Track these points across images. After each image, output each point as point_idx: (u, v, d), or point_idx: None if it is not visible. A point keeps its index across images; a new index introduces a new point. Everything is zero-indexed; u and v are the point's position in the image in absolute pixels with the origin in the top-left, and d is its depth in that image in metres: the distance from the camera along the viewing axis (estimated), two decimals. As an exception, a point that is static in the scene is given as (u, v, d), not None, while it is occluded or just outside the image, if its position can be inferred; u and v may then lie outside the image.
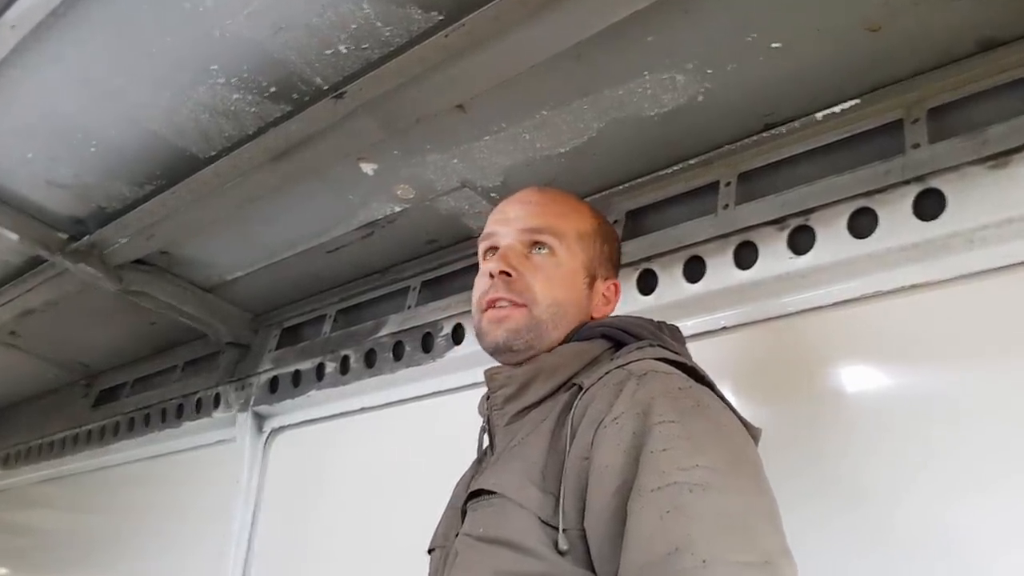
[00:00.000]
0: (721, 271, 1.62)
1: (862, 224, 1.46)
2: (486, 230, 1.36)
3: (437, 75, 1.58)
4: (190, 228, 2.24)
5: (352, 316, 2.51)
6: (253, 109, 1.79)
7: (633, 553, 0.96)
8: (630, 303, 1.77)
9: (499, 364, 1.30)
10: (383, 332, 2.29)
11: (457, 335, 2.11)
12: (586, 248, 1.33)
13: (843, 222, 1.48)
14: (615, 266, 1.40)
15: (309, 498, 2.49)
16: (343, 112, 1.72)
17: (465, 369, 2.08)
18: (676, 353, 1.22)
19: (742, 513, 0.98)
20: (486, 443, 1.32)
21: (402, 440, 2.27)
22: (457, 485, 1.36)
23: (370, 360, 2.29)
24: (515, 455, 1.17)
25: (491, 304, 1.27)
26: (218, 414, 2.73)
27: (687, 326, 1.68)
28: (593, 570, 1.04)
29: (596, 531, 1.03)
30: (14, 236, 2.28)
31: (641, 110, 1.66)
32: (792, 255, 1.52)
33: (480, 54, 1.51)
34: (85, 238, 2.30)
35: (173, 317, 2.68)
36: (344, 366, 2.36)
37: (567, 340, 1.28)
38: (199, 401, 2.82)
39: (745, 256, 1.60)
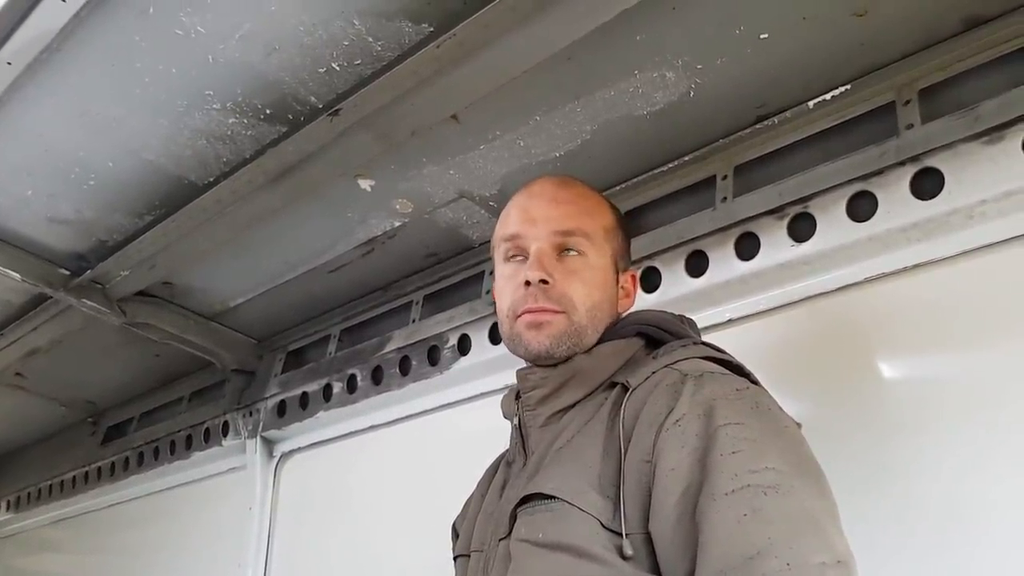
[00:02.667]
0: (723, 264, 1.63)
1: (861, 207, 1.48)
2: (510, 230, 1.31)
3: (430, 87, 1.59)
4: (191, 256, 2.24)
5: (356, 335, 2.51)
6: (249, 132, 1.80)
7: (713, 557, 0.96)
8: (636, 301, 1.78)
9: (530, 365, 1.27)
10: (388, 348, 2.29)
11: (463, 346, 2.11)
12: (611, 243, 1.32)
13: (842, 207, 1.49)
14: (629, 256, 1.38)
15: (323, 520, 2.49)
16: (339, 129, 1.73)
17: (473, 380, 2.09)
18: (719, 351, 1.20)
19: (815, 515, 0.97)
20: (513, 450, 1.30)
21: (413, 455, 2.27)
22: (481, 486, 1.35)
23: (377, 377, 2.29)
24: (567, 457, 1.15)
25: (529, 310, 1.23)
26: (227, 442, 2.73)
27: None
28: (657, 573, 1.03)
29: (663, 535, 1.02)
30: (16, 275, 2.29)
31: (633, 109, 1.68)
32: (793, 243, 1.53)
33: (472, 63, 1.53)
34: (87, 273, 2.31)
35: (177, 348, 2.68)
36: (351, 385, 2.36)
37: (602, 339, 1.26)
38: (207, 431, 2.82)
39: (746, 247, 1.61)
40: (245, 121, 1.76)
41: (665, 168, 1.80)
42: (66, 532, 3.68)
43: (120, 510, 3.34)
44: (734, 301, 1.64)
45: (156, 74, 1.64)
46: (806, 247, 1.52)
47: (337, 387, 2.40)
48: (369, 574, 2.27)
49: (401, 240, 2.18)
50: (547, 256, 1.26)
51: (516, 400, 1.28)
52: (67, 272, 2.35)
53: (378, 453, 2.37)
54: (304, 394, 2.52)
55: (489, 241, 2.09)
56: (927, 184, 1.41)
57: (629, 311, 1.34)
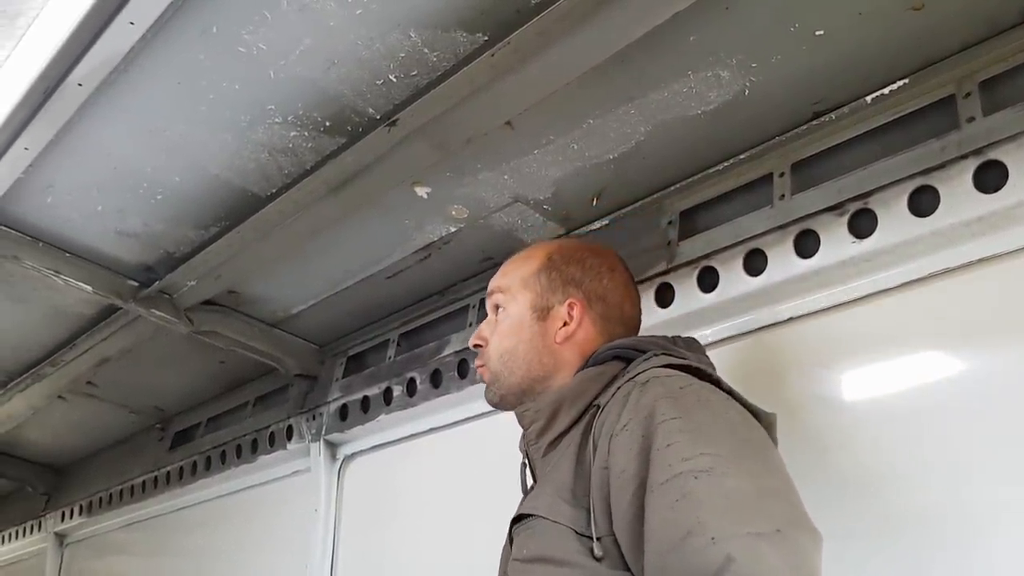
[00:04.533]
0: (783, 261, 1.63)
1: (923, 202, 1.46)
2: None
3: (485, 95, 1.61)
4: (254, 266, 2.30)
5: (414, 339, 2.55)
6: (310, 144, 1.84)
7: (652, 544, 1.04)
8: (692, 302, 1.78)
9: (523, 406, 1.40)
10: (447, 352, 2.32)
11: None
12: (531, 288, 1.46)
13: (903, 202, 1.47)
14: (573, 284, 1.45)
15: (386, 521, 2.53)
16: (396, 139, 1.76)
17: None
18: (682, 358, 1.29)
19: (749, 491, 1.03)
20: (529, 478, 1.42)
21: (472, 457, 2.30)
22: None
23: (436, 380, 2.33)
24: (549, 479, 1.27)
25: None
26: (292, 445, 2.79)
27: (751, 320, 1.70)
28: (629, 570, 1.10)
29: (624, 533, 1.10)
30: (88, 288, 2.37)
31: (688, 109, 1.68)
32: (854, 239, 1.52)
33: (526, 70, 1.55)
34: (155, 284, 2.38)
35: (242, 354, 2.75)
36: (411, 389, 2.40)
37: (584, 367, 1.38)
38: (272, 435, 2.88)
39: (806, 245, 1.60)
40: (306, 134, 1.81)
41: (720, 167, 1.80)
42: (136, 535, 3.80)
43: (188, 513, 3.43)
44: (794, 299, 1.63)
45: (220, 91, 1.69)
46: (867, 243, 1.51)
47: (397, 390, 2.44)
48: (431, 574, 2.30)
49: (457, 245, 2.21)
50: (487, 323, 1.50)
51: (524, 437, 1.40)
52: (136, 284, 2.43)
53: (438, 455, 2.41)
54: (365, 398, 2.56)
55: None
56: (990, 177, 1.39)
57: (623, 337, 1.43)
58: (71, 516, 4.04)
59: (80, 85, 1.64)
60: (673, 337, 1.40)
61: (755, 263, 1.68)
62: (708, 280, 1.77)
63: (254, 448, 2.96)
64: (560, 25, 1.45)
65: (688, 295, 1.80)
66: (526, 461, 1.42)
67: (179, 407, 3.45)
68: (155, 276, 2.40)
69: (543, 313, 1.44)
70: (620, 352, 1.36)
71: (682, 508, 1.02)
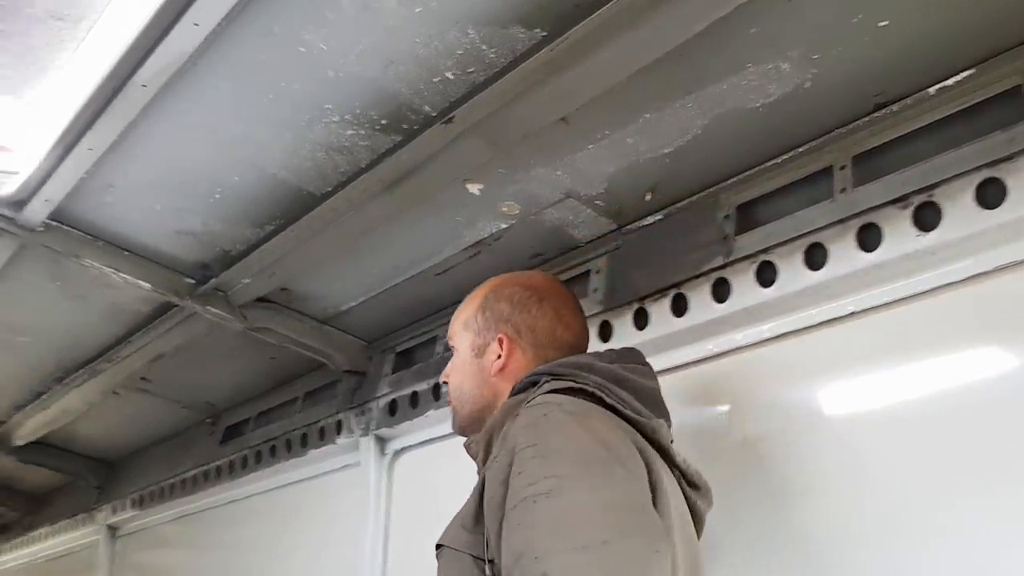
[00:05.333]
0: (844, 256, 1.61)
1: (990, 194, 1.44)
2: None
3: (542, 91, 1.62)
4: (307, 263, 2.33)
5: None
6: (365, 143, 1.86)
7: (501, 566, 1.15)
8: (750, 297, 1.77)
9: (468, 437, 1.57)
10: (498, 348, 2.33)
11: (573, 344, 2.13)
12: (470, 330, 1.63)
13: (970, 194, 1.45)
14: (502, 320, 1.60)
15: (436, 515, 2.53)
16: (451, 136, 1.77)
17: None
18: (573, 380, 1.38)
19: (584, 507, 1.13)
20: None
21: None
22: None
23: (488, 375, 2.33)
24: (462, 508, 1.36)
25: None
26: (341, 440, 2.82)
27: (812, 315, 1.68)
28: None
29: (496, 556, 1.20)
30: (147, 285, 2.42)
31: (746, 102, 1.67)
32: (919, 232, 1.50)
33: (584, 65, 1.55)
34: (211, 281, 2.42)
35: (292, 350, 2.78)
36: (463, 383, 2.40)
37: (510, 395, 1.49)
38: (322, 429, 2.92)
39: (868, 238, 1.58)
40: (362, 132, 1.82)
41: (779, 160, 1.78)
42: (187, 528, 3.86)
43: (238, 507, 3.48)
44: (856, 294, 1.61)
45: (280, 91, 1.72)
46: (932, 236, 1.49)
47: (446, 387, 2.44)
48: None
49: (507, 241, 2.21)
50: (450, 361, 1.68)
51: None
52: (192, 281, 2.47)
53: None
54: (414, 393, 2.58)
55: (595, 240, 2.14)
56: (1061, 168, 1.37)
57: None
58: (123, 509, 4.11)
59: (144, 86, 1.67)
60: (602, 352, 1.51)
61: (815, 257, 1.67)
62: (766, 275, 1.76)
63: (303, 443, 2.99)
64: (619, 20, 1.45)
65: (745, 290, 1.79)
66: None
67: (230, 402, 3.50)
68: (211, 274, 2.44)
69: (480, 351, 1.60)
70: (535, 378, 1.45)
71: (519, 531, 1.14)
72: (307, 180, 2.01)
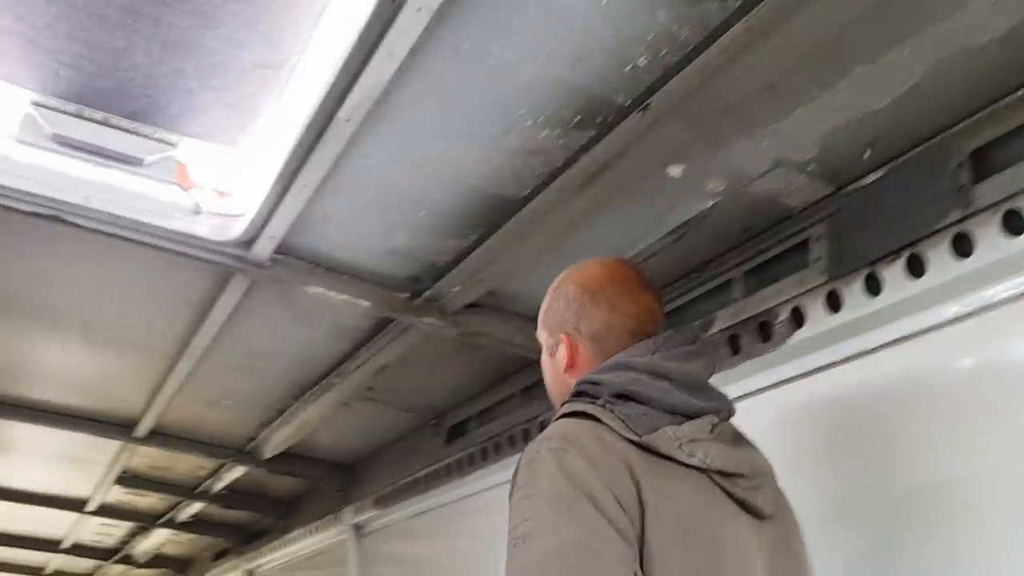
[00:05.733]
0: (1113, 194, 1.42)
1: None
2: None
3: (742, 62, 1.54)
4: (513, 266, 2.35)
5: (675, 319, 2.50)
6: (560, 142, 1.84)
7: None
8: (996, 250, 1.61)
9: None
10: (714, 329, 2.26)
11: (797, 318, 2.02)
12: (544, 328, 1.72)
13: None
14: (560, 321, 1.67)
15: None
16: (648, 123, 1.72)
17: (812, 352, 2.01)
18: (581, 402, 1.45)
19: (544, 552, 1.22)
20: None
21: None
22: None
23: (707, 359, 2.26)
24: None
25: None
26: (563, 433, 2.83)
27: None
28: None
29: None
30: (366, 303, 2.54)
31: (970, 40, 1.50)
32: None
33: (785, 28, 1.46)
34: (424, 294, 2.51)
35: (505, 350, 2.83)
36: (681, 369, 2.35)
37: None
38: (542, 423, 2.95)
39: None
40: (556, 132, 1.81)
41: (1017, 96, 1.60)
42: (424, 523, 4.04)
43: (470, 501, 3.60)
44: None
45: (473, 105, 1.74)
46: None
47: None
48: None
49: (714, 220, 2.13)
50: None
51: None
52: (406, 295, 2.57)
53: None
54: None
55: (811, 207, 2.02)
56: None
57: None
58: (365, 509, 4.37)
59: (347, 120, 1.74)
60: (647, 342, 1.54)
61: (1075, 199, 1.48)
62: (1014, 224, 1.59)
63: (525, 437, 3.04)
64: (823, -26, 1.35)
65: (991, 243, 1.62)
66: None
67: (451, 403, 3.62)
68: (423, 286, 2.52)
69: (552, 350, 1.69)
70: (577, 390, 1.53)
71: (507, 570, 1.25)
72: (505, 186, 2.02)
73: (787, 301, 2.05)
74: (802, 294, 2.01)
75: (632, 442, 1.37)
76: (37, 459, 4.90)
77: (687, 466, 1.39)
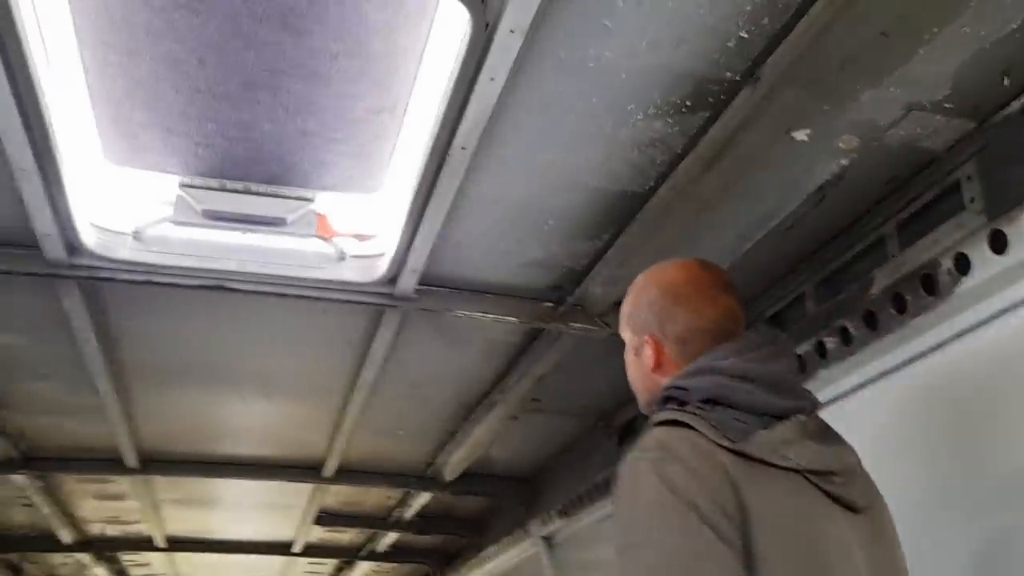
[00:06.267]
0: None
1: None
2: None
3: (851, 13, 1.47)
4: (650, 258, 2.30)
5: (832, 285, 2.39)
6: (676, 128, 1.82)
7: None
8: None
9: None
10: (874, 289, 2.15)
11: (961, 266, 1.90)
12: (628, 329, 1.77)
13: None
14: (644, 325, 1.72)
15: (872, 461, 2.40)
16: (761, 93, 1.68)
17: (984, 300, 1.87)
18: (700, 406, 1.47)
19: (650, 562, 1.31)
20: None
21: (928, 403, 2.10)
22: None
23: (871, 323, 2.16)
24: None
25: None
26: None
27: None
28: None
29: None
30: (514, 319, 2.59)
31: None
32: None
33: (889, -31, 1.38)
34: (568, 300, 2.53)
35: (660, 342, 2.80)
36: (845, 338, 2.25)
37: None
38: (710, 412, 2.89)
39: None
40: (669, 120, 1.79)
41: None
42: (606, 528, 4.04)
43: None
44: None
45: (580, 109, 1.75)
46: None
47: (830, 343, 2.30)
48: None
49: (853, 176, 2.03)
50: None
51: None
52: (551, 304, 2.60)
53: (888, 404, 2.23)
54: (798, 357, 2.46)
55: (955, 146, 1.90)
56: None
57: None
58: (551, 520, 4.41)
59: (464, 148, 1.79)
60: (731, 344, 1.58)
61: None
62: None
63: (696, 428, 2.98)
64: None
65: None
66: None
67: (616, 403, 3.61)
68: (565, 293, 2.54)
69: (638, 350, 1.74)
70: (667, 394, 1.58)
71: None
72: (627, 182, 2.02)
73: (948, 249, 1.93)
74: (963, 239, 1.89)
75: (727, 448, 1.39)
76: (242, 510, 5.26)
77: (783, 468, 1.41)
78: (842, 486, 1.46)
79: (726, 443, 1.40)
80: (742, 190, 2.06)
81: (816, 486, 1.43)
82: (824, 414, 2.47)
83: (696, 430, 1.42)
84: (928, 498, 2.12)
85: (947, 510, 2.06)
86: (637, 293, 1.80)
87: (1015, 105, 1.75)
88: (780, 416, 1.47)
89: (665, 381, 1.65)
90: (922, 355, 2.09)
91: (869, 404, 2.31)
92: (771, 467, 1.41)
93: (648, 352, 1.70)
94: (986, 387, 1.96)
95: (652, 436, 1.44)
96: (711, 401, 1.49)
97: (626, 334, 1.79)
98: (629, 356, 1.78)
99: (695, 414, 1.45)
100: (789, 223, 2.24)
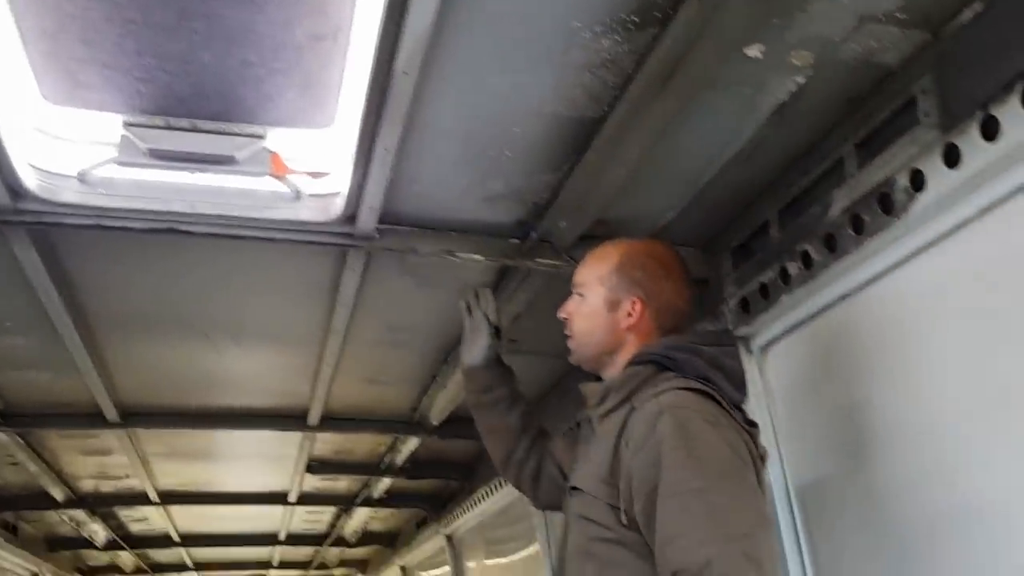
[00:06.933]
0: None
1: None
2: None
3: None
4: (612, 189, 2.29)
5: (795, 210, 2.37)
6: (626, 47, 1.78)
7: (659, 536, 1.58)
8: None
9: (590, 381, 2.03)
10: (833, 212, 2.13)
11: (916, 182, 1.87)
12: (604, 286, 1.96)
13: None
14: (637, 285, 1.95)
15: (815, 403, 2.41)
16: (710, 5, 1.63)
17: (941, 213, 1.85)
18: (701, 381, 1.76)
19: (727, 505, 1.57)
20: (587, 429, 2.03)
21: (892, 315, 2.08)
22: (578, 431, 2.15)
23: (831, 245, 2.14)
24: (593, 460, 1.81)
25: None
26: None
27: None
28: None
29: (639, 517, 1.65)
30: (480, 257, 2.56)
31: None
32: None
33: None
34: (532, 235, 2.50)
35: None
36: (807, 262, 2.23)
37: (631, 361, 1.89)
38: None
39: None
40: (618, 38, 1.75)
41: None
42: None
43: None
44: None
45: (525, 29, 1.71)
46: None
47: (793, 268, 2.29)
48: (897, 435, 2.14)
49: (811, 96, 1.99)
50: (570, 300, 2.07)
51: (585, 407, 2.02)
52: (517, 240, 2.57)
53: (855, 323, 2.22)
54: (762, 285, 2.44)
55: (910, 58, 1.86)
56: None
57: (664, 339, 1.93)
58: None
59: (406, 73, 1.74)
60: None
61: None
62: None
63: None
64: None
65: None
66: (588, 420, 2.01)
67: (592, 343, 3.60)
68: (530, 228, 2.52)
69: (613, 306, 1.94)
70: (655, 359, 1.83)
71: (682, 516, 1.56)
72: (583, 107, 1.98)
73: (903, 166, 1.90)
74: (918, 155, 1.86)
75: (742, 424, 1.74)
76: (233, 461, 5.30)
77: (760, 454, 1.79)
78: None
79: (745, 423, 1.76)
80: (699, 113, 2.02)
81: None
82: (787, 340, 2.50)
83: (716, 400, 1.72)
84: (888, 416, 2.13)
85: (908, 426, 2.07)
86: (627, 255, 1.98)
87: (967, 14, 1.71)
88: (738, 407, 1.81)
89: (633, 342, 1.93)
90: (880, 276, 2.07)
91: (830, 328, 2.31)
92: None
93: (632, 310, 1.92)
94: (943, 306, 1.95)
95: (685, 396, 1.70)
96: (703, 379, 1.76)
97: (595, 288, 1.97)
98: (591, 308, 1.97)
99: (706, 388, 1.73)
100: (752, 147, 2.20)
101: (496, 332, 2.38)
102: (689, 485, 1.56)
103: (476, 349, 2.37)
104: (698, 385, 1.73)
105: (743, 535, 1.52)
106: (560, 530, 2.01)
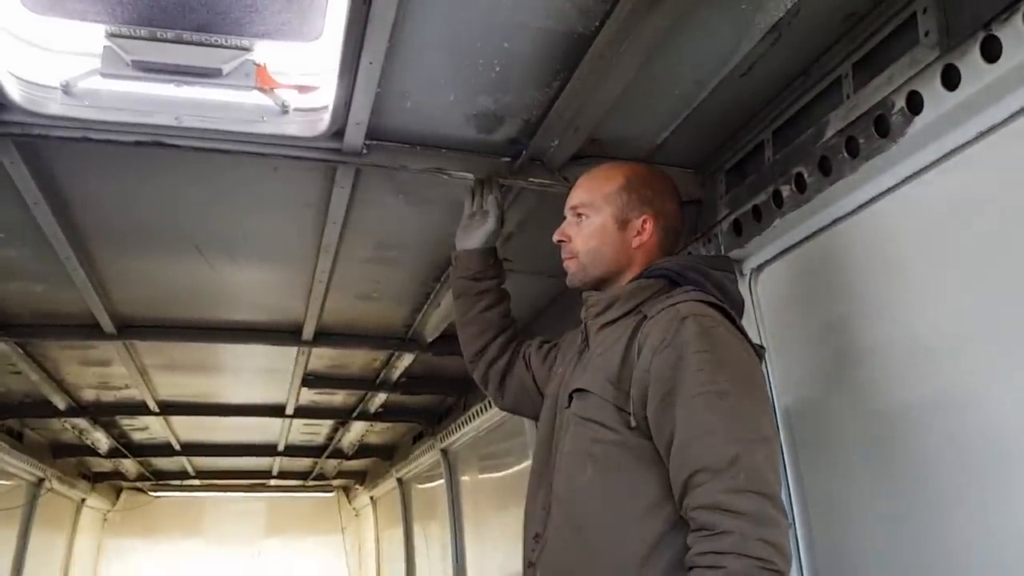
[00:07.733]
0: None
1: None
2: None
3: None
4: (605, 106, 2.25)
5: (790, 132, 2.33)
6: (616, -42, 1.72)
7: (682, 434, 1.62)
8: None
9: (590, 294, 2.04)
10: (829, 134, 2.09)
11: (913, 104, 1.83)
12: (611, 203, 1.98)
13: None
14: (647, 203, 1.99)
15: (803, 326, 2.42)
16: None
17: (939, 136, 1.82)
18: (714, 295, 1.84)
19: (749, 410, 1.64)
20: (581, 340, 2.06)
21: (885, 239, 2.07)
22: (568, 348, 2.18)
23: (825, 168, 2.11)
24: (599, 364, 1.84)
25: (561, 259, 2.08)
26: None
27: None
28: (650, 439, 1.71)
29: (653, 417, 1.69)
30: (469, 175, 2.53)
31: None
32: None
33: None
34: (524, 154, 2.47)
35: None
36: (799, 184, 2.21)
37: (640, 276, 1.94)
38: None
39: None
40: (607, -50, 1.69)
41: None
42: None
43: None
44: None
45: (511, -62, 1.64)
46: None
47: (786, 191, 2.26)
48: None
49: (808, 12, 1.93)
50: (568, 224, 2.08)
51: (585, 312, 2.05)
52: (508, 158, 2.54)
53: (847, 247, 2.21)
54: (755, 207, 2.42)
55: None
56: None
57: (670, 255, 2.02)
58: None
59: None
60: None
61: None
62: None
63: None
64: None
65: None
66: (583, 330, 2.04)
67: (586, 262, 3.59)
68: (521, 147, 2.48)
69: (622, 224, 1.96)
70: (667, 273, 1.89)
71: (708, 415, 1.61)
72: (573, 21, 1.92)
73: (901, 87, 1.86)
74: (916, 76, 1.82)
75: (752, 346, 1.82)
76: (231, 374, 5.35)
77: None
78: None
79: (757, 345, 1.85)
80: (693, 29, 1.97)
81: None
82: (779, 263, 2.49)
83: (730, 318, 1.80)
84: (878, 339, 2.14)
85: (898, 348, 2.08)
86: (635, 174, 2.02)
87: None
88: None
89: (640, 262, 1.96)
90: (874, 200, 2.06)
91: (823, 251, 2.30)
92: None
93: (642, 228, 1.96)
94: (936, 232, 1.94)
95: (709, 312, 1.75)
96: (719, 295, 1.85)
97: (601, 207, 1.98)
98: (597, 227, 1.98)
99: (723, 304, 1.80)
100: (745, 68, 2.15)
101: (501, 221, 2.40)
102: (715, 387, 1.61)
103: (478, 233, 2.42)
104: (716, 300, 1.80)
105: (764, 439, 1.61)
106: (540, 436, 2.02)
